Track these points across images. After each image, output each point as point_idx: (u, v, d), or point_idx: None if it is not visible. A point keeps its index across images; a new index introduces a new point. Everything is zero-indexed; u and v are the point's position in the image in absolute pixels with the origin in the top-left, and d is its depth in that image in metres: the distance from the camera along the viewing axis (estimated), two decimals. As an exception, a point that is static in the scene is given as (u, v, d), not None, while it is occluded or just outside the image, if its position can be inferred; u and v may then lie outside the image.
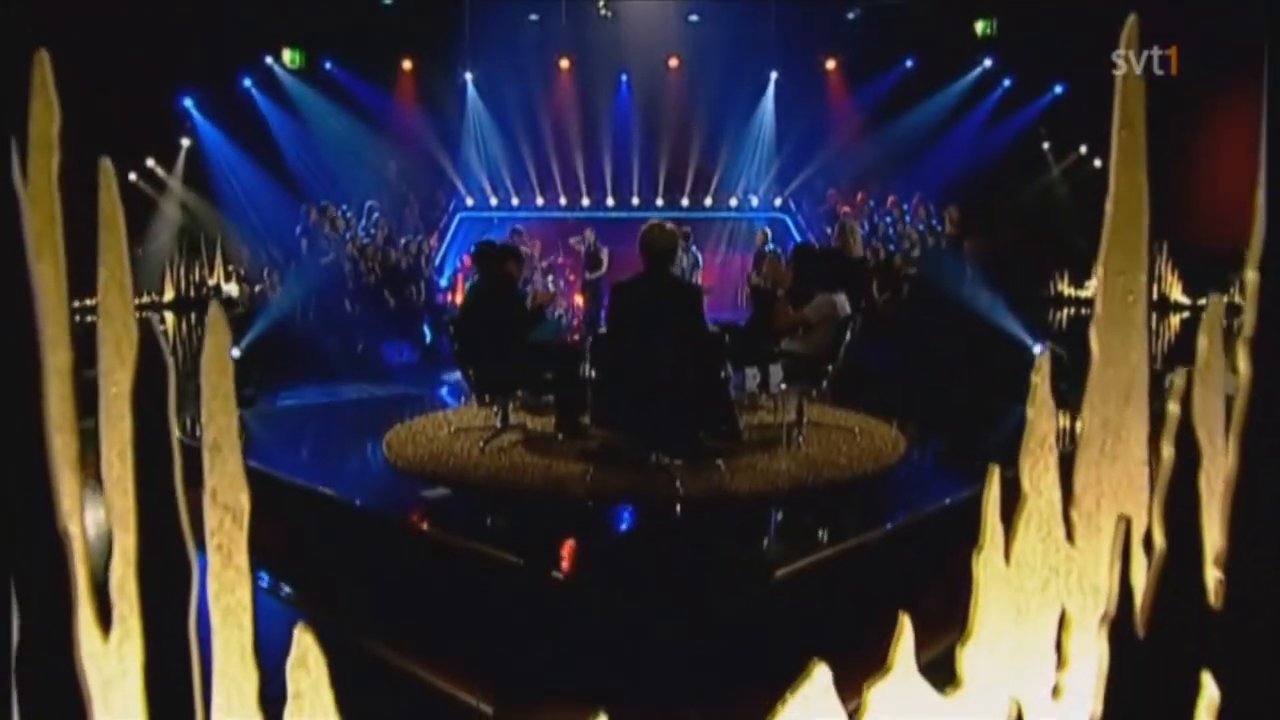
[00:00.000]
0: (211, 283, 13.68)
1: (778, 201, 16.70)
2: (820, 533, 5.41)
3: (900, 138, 15.16)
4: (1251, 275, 1.75)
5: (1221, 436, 1.85)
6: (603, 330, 6.78)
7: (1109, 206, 2.05)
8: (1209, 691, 1.80)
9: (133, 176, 13.62)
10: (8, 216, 1.64)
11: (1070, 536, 2.08)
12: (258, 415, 8.44)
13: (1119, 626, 1.83)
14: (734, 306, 14.17)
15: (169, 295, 13.21)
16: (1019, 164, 14.67)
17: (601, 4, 15.37)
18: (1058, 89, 14.66)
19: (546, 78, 16.13)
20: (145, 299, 12.28)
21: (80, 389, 1.82)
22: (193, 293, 13.31)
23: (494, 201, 16.39)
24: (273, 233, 13.08)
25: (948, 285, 11.37)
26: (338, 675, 1.89)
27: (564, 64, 16.24)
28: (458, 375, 7.73)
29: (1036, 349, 9.49)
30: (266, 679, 1.89)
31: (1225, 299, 1.94)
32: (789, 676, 1.93)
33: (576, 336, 11.42)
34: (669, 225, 6.08)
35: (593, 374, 6.06)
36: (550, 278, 13.84)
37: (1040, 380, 2.13)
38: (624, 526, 5.60)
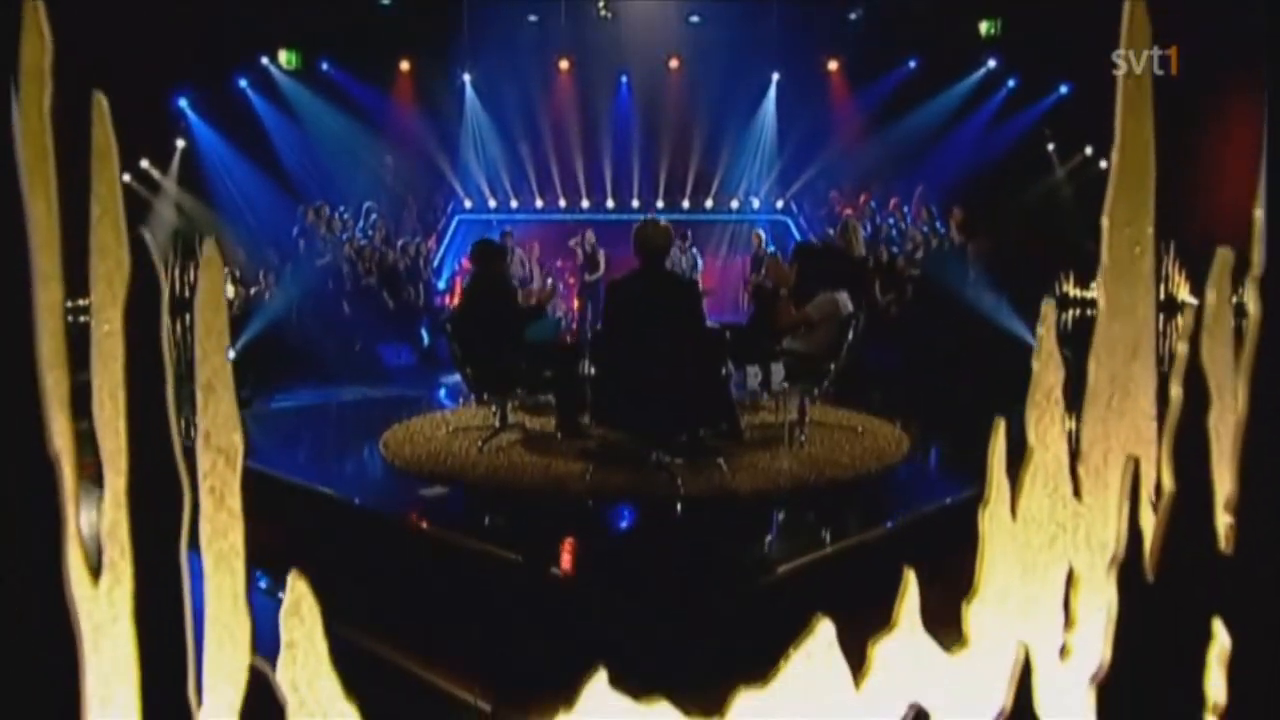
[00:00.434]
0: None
1: (779, 204, 16.58)
2: (822, 531, 5.37)
3: (903, 139, 15.02)
4: (1259, 214, 1.71)
5: (1231, 389, 1.80)
6: (602, 329, 6.61)
7: (1114, 155, 2.01)
8: (1220, 639, 1.73)
9: (126, 178, 13.47)
10: (2, 151, 1.58)
11: (1077, 492, 2.03)
12: (254, 416, 8.32)
13: (1128, 570, 1.76)
14: (735, 309, 14.07)
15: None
16: (1023, 165, 14.52)
17: (601, 4, 15.25)
18: (1063, 89, 14.52)
19: (546, 79, 16.00)
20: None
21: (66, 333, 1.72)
22: (187, 294, 13.17)
23: (492, 204, 16.26)
24: (269, 234, 12.93)
25: (951, 287, 11.33)
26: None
27: (563, 65, 16.11)
28: (456, 378, 7.71)
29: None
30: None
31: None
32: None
33: (571, 339, 11.33)
34: (662, 222, 6.10)
35: (592, 371, 5.97)
36: (550, 280, 13.73)
37: (1046, 332, 2.10)
38: (624, 525, 5.53)
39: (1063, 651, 1.99)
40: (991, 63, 15.23)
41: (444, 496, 5.72)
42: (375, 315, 11.98)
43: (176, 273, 13.32)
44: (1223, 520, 1.74)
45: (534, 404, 7.70)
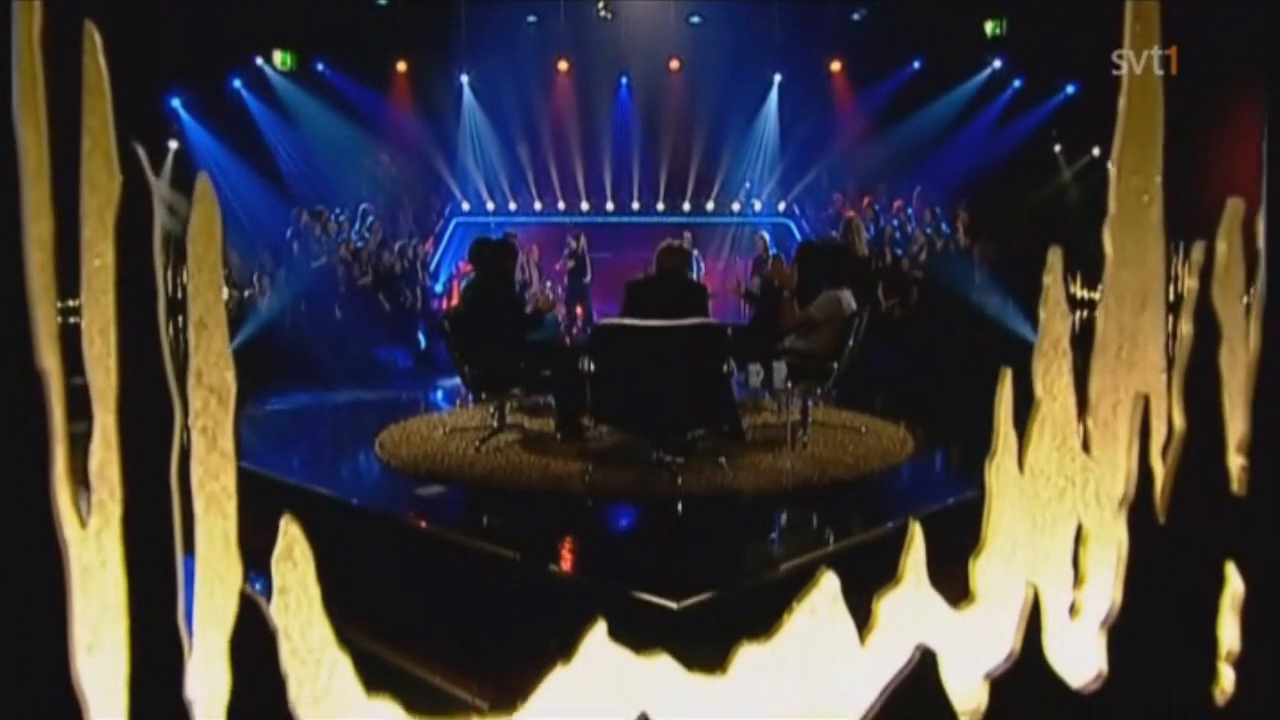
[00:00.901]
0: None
1: (781, 206, 16.46)
2: (825, 531, 5.34)
3: (907, 141, 14.89)
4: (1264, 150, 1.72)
5: (1243, 342, 1.75)
6: (602, 322, 7.09)
7: (1121, 102, 1.96)
8: (1233, 583, 1.67)
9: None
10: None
11: (1086, 446, 1.96)
12: (247, 418, 8.19)
13: (1138, 510, 1.71)
14: (736, 313, 13.91)
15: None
16: (1030, 166, 14.38)
17: (601, 5, 15.14)
18: (1069, 90, 14.40)
19: (545, 80, 15.87)
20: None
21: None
22: (180, 296, 12.98)
23: (491, 206, 16.12)
24: (263, 236, 12.78)
25: (957, 289, 11.25)
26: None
27: (563, 66, 15.97)
28: (453, 381, 7.73)
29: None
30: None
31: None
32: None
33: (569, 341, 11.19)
34: (675, 244, 6.87)
35: (591, 367, 5.90)
36: (549, 284, 13.61)
37: (1052, 281, 2.09)
38: (624, 524, 5.51)
39: (1072, 609, 1.92)
40: (997, 63, 15.09)
41: (441, 496, 5.70)
42: (371, 318, 11.89)
43: (168, 275, 13.24)
44: (1235, 462, 1.68)
45: (532, 405, 7.66)
